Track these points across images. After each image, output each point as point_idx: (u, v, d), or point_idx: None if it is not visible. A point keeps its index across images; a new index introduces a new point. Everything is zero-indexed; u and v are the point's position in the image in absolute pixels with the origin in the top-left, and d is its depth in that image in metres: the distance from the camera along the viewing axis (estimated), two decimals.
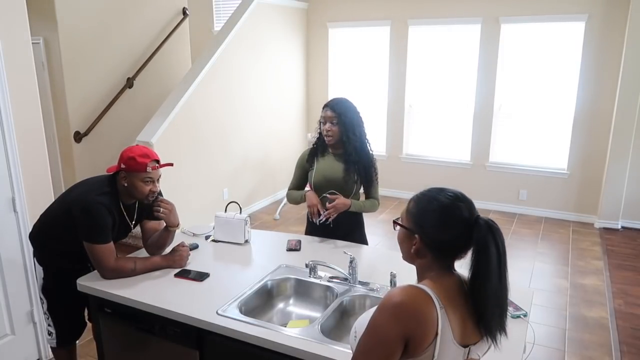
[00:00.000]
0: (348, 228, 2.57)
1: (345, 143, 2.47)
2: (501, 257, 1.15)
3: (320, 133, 2.58)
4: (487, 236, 1.14)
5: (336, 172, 2.52)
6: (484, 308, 1.15)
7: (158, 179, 2.17)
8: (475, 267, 1.15)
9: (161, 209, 2.19)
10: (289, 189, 2.71)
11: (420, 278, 1.24)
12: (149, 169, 2.08)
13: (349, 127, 2.45)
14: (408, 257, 1.26)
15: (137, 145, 2.17)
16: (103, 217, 2.05)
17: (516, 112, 5.56)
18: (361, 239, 2.63)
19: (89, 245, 2.06)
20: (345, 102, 2.50)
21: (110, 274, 2.08)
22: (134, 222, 2.27)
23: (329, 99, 2.69)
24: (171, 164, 2.21)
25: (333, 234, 2.55)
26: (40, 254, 2.27)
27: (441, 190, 1.22)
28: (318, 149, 2.61)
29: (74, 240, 2.10)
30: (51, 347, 2.43)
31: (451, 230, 1.17)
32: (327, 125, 2.45)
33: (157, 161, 2.14)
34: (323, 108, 2.50)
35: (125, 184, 2.11)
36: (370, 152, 2.56)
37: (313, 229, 2.65)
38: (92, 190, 2.11)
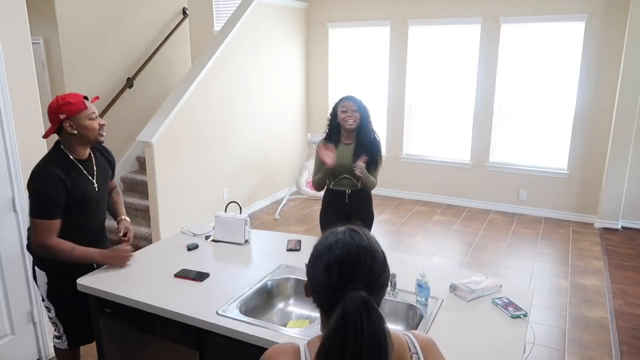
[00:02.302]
0: (358, 201, 3.00)
1: (364, 128, 2.88)
2: (347, 355, 0.89)
3: (330, 126, 2.97)
4: (338, 328, 0.90)
5: (348, 159, 2.88)
6: None
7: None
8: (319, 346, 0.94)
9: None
10: (314, 177, 3.06)
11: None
12: (87, 103, 2.06)
13: (367, 115, 2.91)
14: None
15: (56, 96, 2.10)
16: (45, 190, 2.00)
17: (516, 112, 5.57)
18: (368, 212, 3.07)
19: (30, 219, 2.03)
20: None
21: (39, 250, 2.06)
22: (95, 178, 2.19)
23: (329, 99, 2.86)
24: (97, 97, 2.19)
25: (346, 206, 2.97)
26: (39, 260, 2.21)
27: (335, 243, 1.02)
28: (332, 140, 2.94)
29: (65, 237, 2.09)
30: (56, 348, 2.37)
31: (317, 291, 1.04)
32: (349, 112, 2.84)
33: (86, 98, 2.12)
34: (341, 101, 2.90)
35: (75, 131, 2.05)
36: (377, 139, 2.97)
37: (330, 204, 3.05)
38: (38, 164, 2.08)
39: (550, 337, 3.20)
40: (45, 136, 2.13)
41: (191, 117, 4.64)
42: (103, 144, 2.27)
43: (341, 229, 1.06)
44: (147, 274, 2.18)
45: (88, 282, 2.09)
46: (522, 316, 1.80)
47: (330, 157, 2.82)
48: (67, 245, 2.08)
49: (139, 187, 5.17)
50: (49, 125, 2.10)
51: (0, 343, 2.68)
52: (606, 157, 5.13)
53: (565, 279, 4.04)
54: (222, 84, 5.02)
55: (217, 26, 6.97)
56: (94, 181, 2.18)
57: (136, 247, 2.49)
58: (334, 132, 2.95)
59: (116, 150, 5.26)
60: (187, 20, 6.04)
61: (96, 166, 2.22)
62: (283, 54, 6.07)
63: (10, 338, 2.73)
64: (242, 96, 5.38)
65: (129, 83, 5.25)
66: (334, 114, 2.94)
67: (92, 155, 2.22)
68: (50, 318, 2.29)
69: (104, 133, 2.13)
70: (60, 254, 2.07)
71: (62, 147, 2.11)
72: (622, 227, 5.17)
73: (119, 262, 2.19)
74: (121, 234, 2.37)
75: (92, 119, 2.07)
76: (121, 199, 2.55)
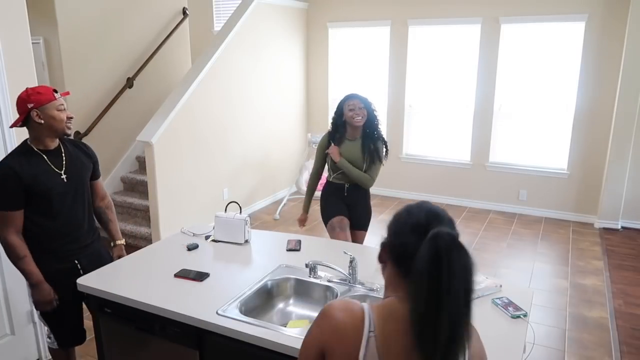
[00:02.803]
0: (357, 196, 3.11)
1: (371, 123, 3.00)
2: (440, 289, 0.92)
3: (335, 123, 3.06)
4: (430, 259, 0.94)
5: (355, 154, 3.00)
6: (417, 340, 0.95)
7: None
8: (408, 284, 0.99)
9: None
10: (312, 175, 3.22)
11: (384, 295, 1.14)
12: (57, 95, 2.08)
13: (373, 112, 3.03)
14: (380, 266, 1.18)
15: (26, 88, 2.13)
16: (1, 182, 2.01)
17: (516, 112, 5.57)
18: (366, 208, 3.19)
19: None
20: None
21: None
22: (65, 169, 2.17)
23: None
24: (67, 93, 2.24)
25: (346, 198, 3.10)
26: None
27: (415, 206, 1.11)
28: (336, 135, 3.05)
29: (39, 232, 2.11)
30: (49, 348, 2.38)
31: (403, 234, 1.06)
32: (357, 110, 2.94)
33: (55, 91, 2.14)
34: (347, 100, 2.99)
35: (42, 121, 2.05)
36: (383, 136, 3.08)
37: (330, 193, 3.16)
38: (4, 157, 2.11)
39: (550, 337, 3.20)
40: (12, 126, 2.14)
41: (191, 117, 4.64)
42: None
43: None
44: (147, 274, 2.18)
45: (88, 282, 2.09)
46: (522, 316, 1.80)
47: (337, 154, 3.02)
48: (20, 251, 2.06)
49: (139, 187, 5.17)
50: None
51: (0, 343, 2.68)
52: (606, 157, 5.13)
53: (565, 279, 4.04)
54: (222, 84, 5.02)
55: (217, 26, 6.97)
56: (62, 172, 2.16)
57: (136, 247, 2.50)
58: (340, 129, 3.05)
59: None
60: (187, 20, 6.04)
61: (65, 157, 2.20)
62: (283, 54, 6.07)
63: (10, 338, 2.73)
64: (242, 96, 5.38)
65: (129, 83, 5.25)
66: (340, 112, 3.03)
67: (62, 146, 2.21)
68: (39, 318, 2.32)
69: (71, 126, 2.15)
70: (10, 253, 2.07)
71: (29, 141, 2.13)
72: (622, 227, 5.17)
73: (40, 303, 2.14)
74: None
75: (60, 110, 2.09)
76: (115, 218, 2.51)
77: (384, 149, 3.08)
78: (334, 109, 3.11)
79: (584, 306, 3.60)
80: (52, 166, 2.14)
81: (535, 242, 4.86)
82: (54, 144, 2.16)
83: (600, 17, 4.96)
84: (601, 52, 5.02)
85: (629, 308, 3.56)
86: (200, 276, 2.11)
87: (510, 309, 1.83)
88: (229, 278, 2.13)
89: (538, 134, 5.51)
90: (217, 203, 5.01)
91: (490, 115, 5.65)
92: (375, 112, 3.04)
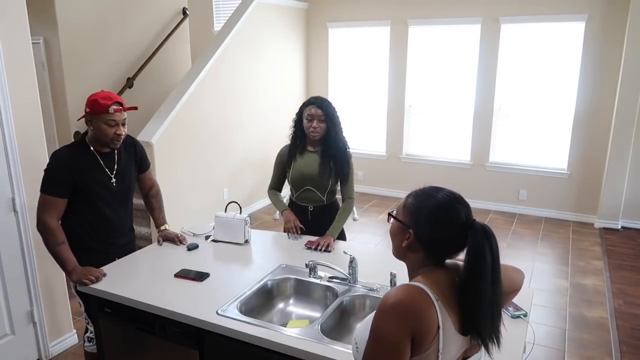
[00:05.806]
0: (323, 218, 2.63)
1: (332, 139, 2.57)
2: (495, 263, 1.15)
3: (295, 131, 2.66)
4: (484, 241, 1.14)
5: (312, 168, 2.61)
6: (476, 310, 1.14)
7: (123, 123, 2.16)
8: (469, 269, 1.14)
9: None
10: (270, 189, 2.82)
11: (411, 274, 1.25)
12: (111, 110, 2.08)
13: (336, 125, 2.58)
14: (399, 251, 1.26)
15: (102, 90, 2.19)
16: (53, 168, 2.09)
17: (516, 112, 5.56)
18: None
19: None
20: (328, 101, 2.60)
21: (39, 225, 2.10)
22: (115, 173, 2.24)
23: (329, 98, 2.76)
24: (135, 108, 2.21)
25: (309, 223, 2.63)
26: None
27: (440, 190, 1.24)
28: (297, 147, 2.67)
29: (82, 230, 2.16)
30: (86, 352, 2.34)
31: (446, 231, 1.18)
32: (315, 122, 2.53)
33: (121, 104, 2.14)
34: (307, 105, 2.58)
35: (92, 128, 2.13)
36: (347, 149, 2.63)
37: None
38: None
39: (550, 337, 3.20)
40: (78, 119, 2.22)
41: (191, 117, 4.64)
42: (132, 136, 2.37)
43: (425, 187, 1.27)
44: (147, 274, 2.18)
45: None
46: (522, 316, 1.80)
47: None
48: (59, 236, 2.10)
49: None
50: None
51: (0, 343, 2.68)
52: (606, 157, 5.13)
53: (565, 279, 4.04)
54: (222, 84, 5.02)
55: (217, 26, 6.97)
56: (112, 176, 2.23)
57: (138, 247, 2.50)
58: (300, 139, 2.63)
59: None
60: (187, 20, 6.03)
61: (118, 163, 2.26)
62: (283, 54, 6.07)
63: (10, 338, 2.73)
64: (242, 96, 5.38)
65: (129, 83, 5.25)
66: (299, 118, 2.61)
67: (116, 151, 2.26)
68: (84, 316, 2.30)
69: (118, 143, 2.17)
70: (48, 238, 2.10)
71: (87, 139, 2.20)
72: (622, 227, 5.17)
73: (82, 279, 2.05)
74: (160, 242, 2.50)
75: (109, 125, 2.11)
76: (160, 205, 2.57)
77: (348, 164, 2.61)
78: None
79: (584, 306, 3.60)
80: (105, 167, 2.21)
81: (535, 242, 4.86)
82: (106, 149, 2.21)
83: (600, 17, 4.95)
84: (601, 52, 5.01)
85: (629, 308, 3.56)
86: (200, 276, 2.11)
87: (510, 308, 1.83)
88: (229, 278, 2.13)
89: (538, 134, 5.50)
90: (217, 203, 5.01)
91: (490, 115, 5.65)
92: (338, 122, 2.59)
